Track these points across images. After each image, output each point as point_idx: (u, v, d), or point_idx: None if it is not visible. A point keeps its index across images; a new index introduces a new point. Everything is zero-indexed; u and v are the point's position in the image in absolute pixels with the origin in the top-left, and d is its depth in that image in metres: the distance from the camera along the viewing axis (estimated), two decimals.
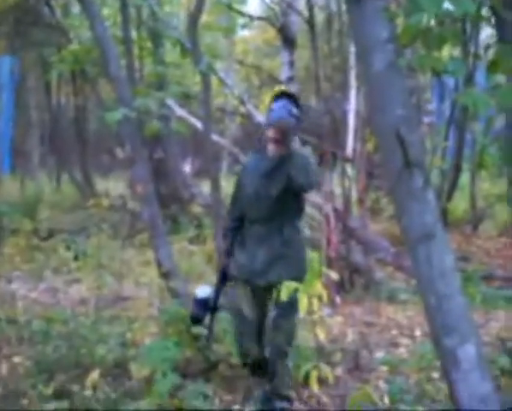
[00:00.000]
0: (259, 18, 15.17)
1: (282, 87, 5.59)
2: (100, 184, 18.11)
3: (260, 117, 11.90)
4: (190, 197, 14.84)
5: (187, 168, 17.51)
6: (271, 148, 5.34)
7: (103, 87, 18.14)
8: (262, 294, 5.39)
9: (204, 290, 5.62)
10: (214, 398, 5.72)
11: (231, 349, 6.10)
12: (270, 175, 5.32)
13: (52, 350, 6.59)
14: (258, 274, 5.32)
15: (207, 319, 5.66)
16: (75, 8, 18.17)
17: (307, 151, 5.39)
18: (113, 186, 16.70)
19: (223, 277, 5.58)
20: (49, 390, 5.76)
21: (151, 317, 7.22)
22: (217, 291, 5.59)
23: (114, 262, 10.15)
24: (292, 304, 5.22)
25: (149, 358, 5.77)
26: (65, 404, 5.53)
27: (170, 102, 13.35)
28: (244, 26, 14.90)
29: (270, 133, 5.30)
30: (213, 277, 9.72)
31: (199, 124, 13.30)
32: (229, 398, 5.84)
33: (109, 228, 12.35)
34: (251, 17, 14.21)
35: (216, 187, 7.31)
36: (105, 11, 15.05)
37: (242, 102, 12.65)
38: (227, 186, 9.40)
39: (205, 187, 15.49)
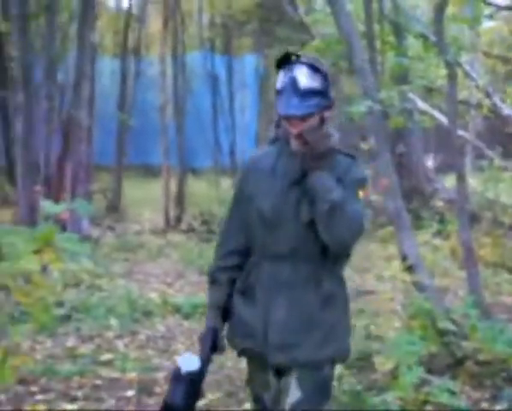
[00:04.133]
0: (506, 8, 14.67)
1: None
2: None
3: (507, 110, 11.51)
4: (432, 192, 14.64)
5: (430, 162, 17.26)
6: (294, 142, 3.39)
7: (344, 83, 18.26)
8: (279, 375, 3.45)
9: (190, 361, 3.43)
10: (461, 395, 5.60)
11: (479, 346, 5.95)
12: (299, 185, 3.35)
13: None
14: (275, 346, 3.34)
15: None
16: (318, 5, 18.42)
17: (359, 167, 3.46)
18: None
19: (213, 348, 3.50)
20: None
21: (394, 311, 7.18)
22: (203, 369, 3.44)
23: (355, 256, 10.19)
24: (324, 387, 3.41)
25: (393, 351, 5.75)
26: None
27: (413, 95, 13.21)
28: (490, 17, 14.46)
29: (286, 124, 3.39)
30: (458, 273, 9.60)
31: (442, 118, 13.07)
32: (476, 395, 5.70)
33: None
34: (497, 7, 13.77)
35: (461, 181, 7.14)
36: (348, 7, 15.11)
37: (487, 94, 12.30)
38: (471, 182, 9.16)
39: (448, 181, 15.23)
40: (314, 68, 3.31)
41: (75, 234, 4.57)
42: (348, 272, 8.98)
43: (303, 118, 3.28)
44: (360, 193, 3.29)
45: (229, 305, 3.52)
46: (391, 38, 13.74)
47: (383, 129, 7.07)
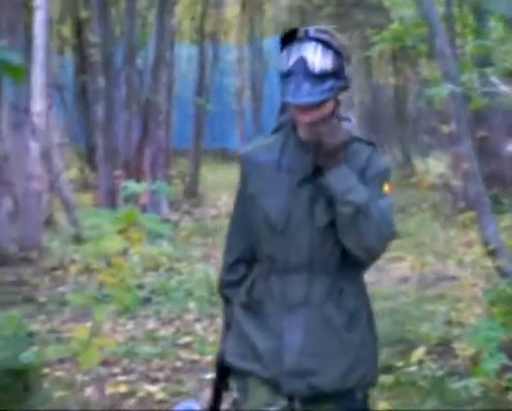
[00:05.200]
0: None
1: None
2: (420, 163, 18.06)
3: None
4: None
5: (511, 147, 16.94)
6: (304, 130, 2.89)
7: (424, 67, 18.05)
8: (291, 402, 2.90)
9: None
10: None
11: None
12: (312, 181, 2.86)
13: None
14: (291, 372, 2.84)
15: None
16: None
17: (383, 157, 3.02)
18: (433, 165, 16.60)
19: (223, 374, 3.08)
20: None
21: (474, 297, 7.09)
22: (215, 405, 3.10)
23: (435, 241, 10.10)
24: None
25: (474, 337, 5.67)
26: (390, 378, 5.59)
27: (495, 79, 12.98)
28: None
29: (294, 113, 2.88)
30: None
31: None
32: None
33: (429, 207, 12.29)
34: None
35: None
36: None
37: None
38: None
39: None
40: (327, 45, 2.80)
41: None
42: (428, 258, 8.91)
43: (316, 106, 2.79)
44: (386, 188, 2.82)
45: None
46: (471, 21, 13.54)
47: (464, 113, 6.97)
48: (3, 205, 9.88)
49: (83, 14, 15.37)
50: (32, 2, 11.62)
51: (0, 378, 4.86)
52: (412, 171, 18.65)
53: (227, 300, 3.07)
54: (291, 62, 2.79)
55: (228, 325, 3.07)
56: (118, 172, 11.14)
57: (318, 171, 2.80)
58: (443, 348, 6.20)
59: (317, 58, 2.77)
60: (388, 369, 5.79)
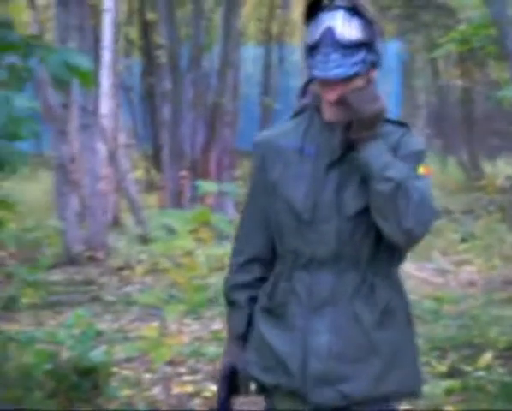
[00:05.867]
0: None
1: None
2: (488, 166, 17.85)
3: None
4: None
5: None
6: (330, 110, 2.60)
7: (492, 68, 17.81)
8: None
9: None
10: None
11: None
12: (340, 166, 2.59)
13: (442, 329, 6.63)
14: (318, 379, 2.56)
15: None
16: None
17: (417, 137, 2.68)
18: (502, 167, 16.40)
19: (230, 386, 2.78)
20: (443, 368, 5.80)
21: None
22: None
23: (503, 245, 9.96)
24: None
25: None
26: (458, 383, 5.53)
27: None
28: None
29: (321, 90, 2.58)
30: None
31: None
32: None
33: (497, 210, 12.14)
34: None
35: None
36: None
37: None
38: None
39: None
40: (356, 13, 2.51)
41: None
42: (496, 262, 8.81)
43: (346, 80, 2.49)
44: (422, 169, 2.55)
45: (248, 324, 2.72)
46: None
47: None
48: (71, 205, 10.02)
49: (150, 16, 15.51)
50: (100, 4, 11.78)
51: (69, 376, 4.93)
52: (480, 174, 18.43)
53: (234, 304, 2.75)
54: (317, 33, 2.50)
55: (230, 334, 2.77)
56: (184, 173, 11.21)
57: (348, 151, 2.53)
58: (511, 353, 6.11)
59: (346, 27, 2.49)
60: (455, 373, 5.74)
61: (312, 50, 2.52)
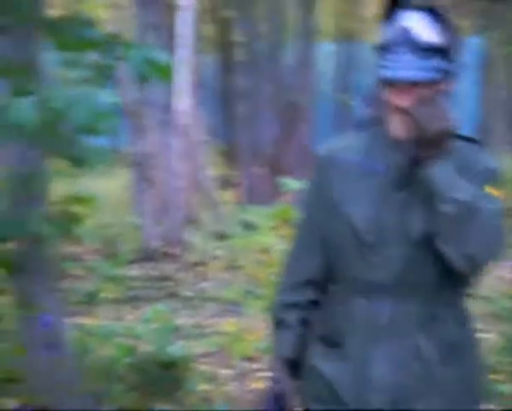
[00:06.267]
0: None
1: None
2: None
3: None
4: None
5: None
6: (398, 123, 2.40)
7: None
8: None
9: None
10: None
11: None
12: (407, 185, 2.40)
13: None
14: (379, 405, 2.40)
15: None
16: None
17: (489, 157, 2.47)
18: None
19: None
20: None
21: None
22: None
23: None
24: None
25: None
26: None
27: None
28: None
29: (390, 94, 2.38)
30: None
31: None
32: None
33: None
34: None
35: None
36: None
37: None
38: None
39: None
40: (435, 16, 2.34)
41: None
42: None
43: (418, 85, 2.31)
44: (493, 190, 2.35)
45: (302, 355, 2.53)
46: None
47: None
48: (148, 201, 10.12)
49: (227, 13, 15.58)
50: (176, 2, 11.87)
51: (149, 369, 4.98)
52: None
53: (282, 324, 2.56)
54: (392, 32, 2.35)
55: (282, 357, 2.56)
56: (260, 170, 11.23)
57: (416, 170, 2.33)
58: None
59: (424, 29, 2.32)
60: None
61: (384, 49, 2.36)
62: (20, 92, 3.65)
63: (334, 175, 2.45)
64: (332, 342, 2.43)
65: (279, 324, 2.56)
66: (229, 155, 17.33)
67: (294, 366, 2.53)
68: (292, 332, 2.53)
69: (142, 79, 3.97)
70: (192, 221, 11.78)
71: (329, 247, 2.46)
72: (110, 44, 3.94)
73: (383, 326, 2.37)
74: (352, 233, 2.39)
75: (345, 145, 2.50)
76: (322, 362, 2.44)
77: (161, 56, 3.89)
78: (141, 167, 10.05)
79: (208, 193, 11.27)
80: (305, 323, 2.52)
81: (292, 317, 2.53)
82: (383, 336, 2.37)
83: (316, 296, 2.51)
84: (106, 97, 3.58)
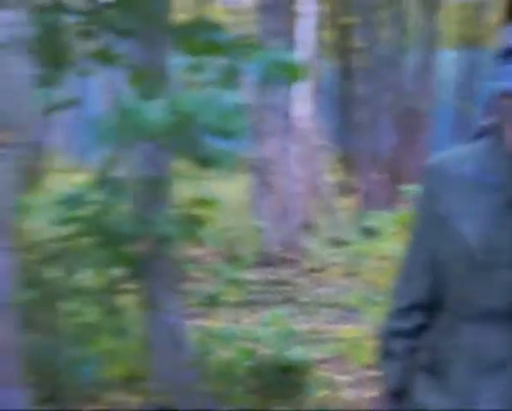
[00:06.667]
0: None
1: None
2: None
3: None
4: None
5: None
6: None
7: None
8: None
9: None
10: None
11: None
12: None
13: None
14: None
15: None
16: None
17: None
18: None
19: None
20: None
21: None
22: None
23: None
24: None
25: None
26: None
27: None
28: None
29: (506, 106, 2.10)
30: None
31: None
32: None
33: None
34: None
35: None
36: None
37: None
38: None
39: None
40: None
41: None
42: None
43: None
44: None
45: (409, 385, 2.32)
46: None
47: None
48: (268, 206, 10.18)
49: (347, 19, 15.55)
50: (297, 8, 11.90)
51: (268, 373, 5.00)
52: None
53: (390, 355, 2.35)
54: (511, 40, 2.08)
55: (390, 388, 2.36)
56: (379, 177, 11.16)
57: None
58: None
59: None
60: None
61: (504, 58, 2.10)
62: (149, 95, 3.72)
63: (444, 189, 2.21)
64: (438, 372, 2.22)
65: (387, 354, 2.36)
66: (347, 161, 17.27)
67: (401, 395, 2.34)
68: (400, 363, 2.33)
69: (267, 81, 3.99)
70: (309, 226, 11.79)
71: (438, 266, 2.23)
72: (237, 47, 3.98)
73: (496, 358, 2.13)
74: (462, 252, 2.16)
75: (458, 155, 2.25)
76: (426, 395, 2.24)
77: (289, 56, 3.91)
78: (261, 172, 10.11)
79: (326, 198, 11.25)
80: (412, 351, 2.32)
81: (400, 346, 2.32)
82: (495, 369, 2.13)
83: (423, 320, 2.29)
84: (233, 98, 3.61)
